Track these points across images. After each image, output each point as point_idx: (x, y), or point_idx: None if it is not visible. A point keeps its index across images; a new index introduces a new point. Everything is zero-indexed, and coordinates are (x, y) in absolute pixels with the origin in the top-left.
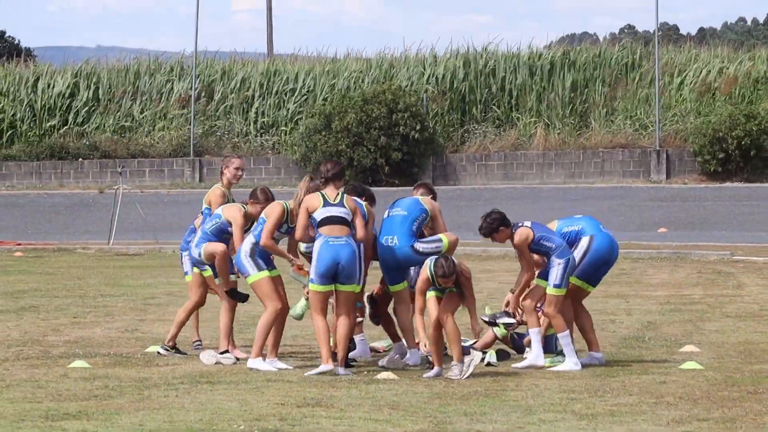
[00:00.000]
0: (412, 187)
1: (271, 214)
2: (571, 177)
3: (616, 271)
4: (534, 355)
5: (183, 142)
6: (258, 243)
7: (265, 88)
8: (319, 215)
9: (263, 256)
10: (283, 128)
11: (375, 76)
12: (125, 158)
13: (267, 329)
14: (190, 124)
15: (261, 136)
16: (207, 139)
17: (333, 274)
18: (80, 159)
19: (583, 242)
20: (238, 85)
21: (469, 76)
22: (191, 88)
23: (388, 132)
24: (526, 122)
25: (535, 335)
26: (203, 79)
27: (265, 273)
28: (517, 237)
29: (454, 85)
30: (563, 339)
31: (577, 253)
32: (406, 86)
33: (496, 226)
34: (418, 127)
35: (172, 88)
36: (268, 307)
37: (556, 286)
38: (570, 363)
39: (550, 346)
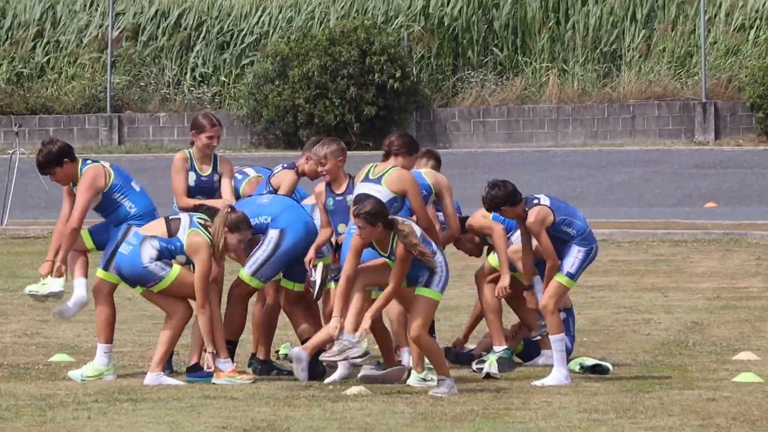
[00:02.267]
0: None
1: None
2: (594, 137)
3: (651, 257)
4: (556, 372)
5: (98, 93)
6: None
7: (204, 26)
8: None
9: None
10: (225, 78)
11: (345, 10)
12: (23, 114)
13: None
14: (106, 72)
15: (198, 87)
16: (129, 90)
17: None
18: None
19: None
20: (171, 22)
21: (464, 9)
22: (109, 26)
23: (360, 81)
24: (536, 68)
25: (557, 344)
26: (126, 15)
27: None
28: (532, 216)
29: (444, 22)
30: (556, 344)
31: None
32: (383, 22)
33: (500, 200)
34: (397, 74)
35: (86, 25)
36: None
37: (569, 276)
38: (559, 375)
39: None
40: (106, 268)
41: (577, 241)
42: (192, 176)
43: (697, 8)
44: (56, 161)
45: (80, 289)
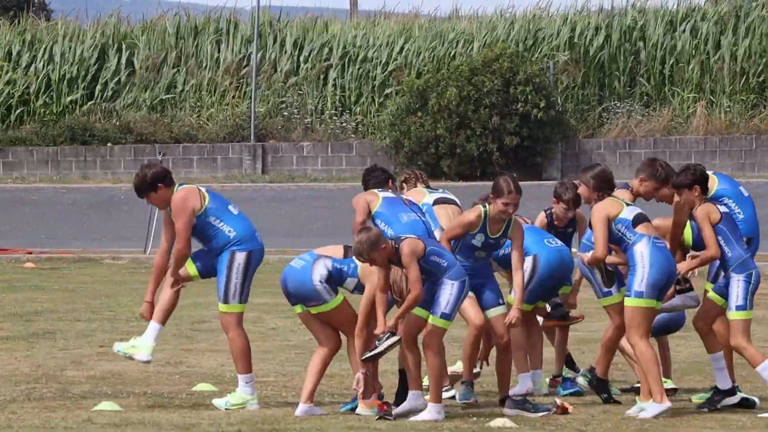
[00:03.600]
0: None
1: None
2: (741, 169)
3: None
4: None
5: (241, 122)
6: None
7: (346, 55)
8: None
9: None
10: (368, 107)
11: (486, 39)
12: (167, 143)
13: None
14: (250, 101)
15: (340, 117)
16: (272, 119)
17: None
18: (109, 144)
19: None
20: (313, 51)
21: (611, 39)
22: (251, 54)
23: (503, 110)
24: (684, 99)
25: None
26: (267, 43)
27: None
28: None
29: (590, 52)
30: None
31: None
32: (525, 50)
33: (690, 181)
34: (542, 104)
35: (227, 54)
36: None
37: (738, 308)
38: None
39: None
40: (226, 301)
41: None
42: (481, 237)
43: None
44: (151, 186)
45: (149, 338)
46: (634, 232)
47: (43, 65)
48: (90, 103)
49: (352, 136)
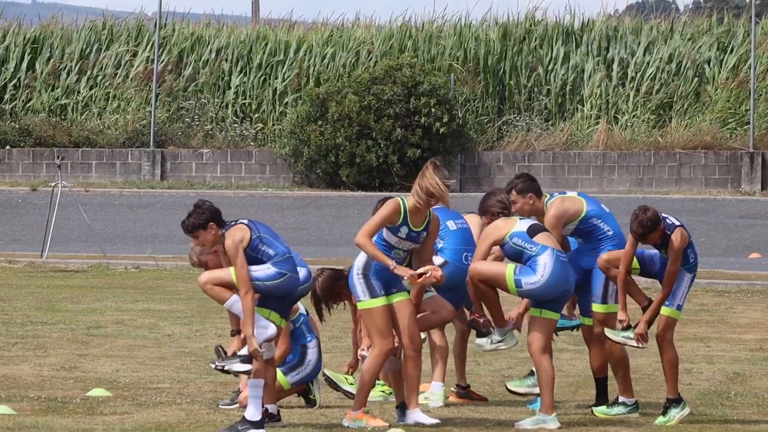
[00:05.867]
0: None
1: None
2: (639, 184)
3: (694, 306)
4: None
5: (141, 128)
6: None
7: (246, 61)
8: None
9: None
10: (268, 114)
11: (386, 49)
12: (66, 147)
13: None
14: (150, 106)
15: (241, 124)
16: (172, 125)
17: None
18: (7, 147)
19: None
20: (212, 56)
21: (510, 51)
22: (153, 60)
23: (406, 122)
24: (585, 114)
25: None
26: (169, 49)
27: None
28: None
29: (489, 63)
30: None
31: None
32: (427, 63)
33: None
34: (445, 118)
35: (130, 59)
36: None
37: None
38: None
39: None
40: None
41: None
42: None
43: (747, 59)
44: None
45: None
46: (535, 243)
47: None
48: None
49: (252, 143)
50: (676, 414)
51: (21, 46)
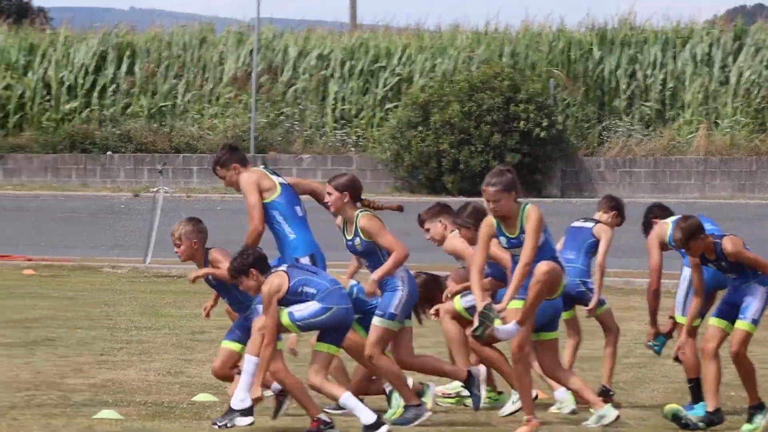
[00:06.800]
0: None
1: None
2: (741, 190)
3: None
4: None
5: (241, 133)
6: None
7: (346, 68)
8: None
9: None
10: (368, 119)
11: (487, 55)
12: (167, 152)
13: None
14: (250, 112)
15: (341, 129)
16: (271, 131)
17: None
18: (109, 152)
19: None
20: (312, 63)
21: (608, 57)
22: (252, 66)
23: (504, 128)
24: (686, 119)
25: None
26: (267, 55)
27: None
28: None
29: (589, 68)
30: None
31: None
32: (526, 70)
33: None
34: (544, 123)
35: (227, 64)
36: None
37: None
38: None
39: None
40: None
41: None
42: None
43: None
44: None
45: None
46: None
47: (42, 72)
48: (88, 110)
49: (352, 149)
50: (761, 420)
51: (118, 51)
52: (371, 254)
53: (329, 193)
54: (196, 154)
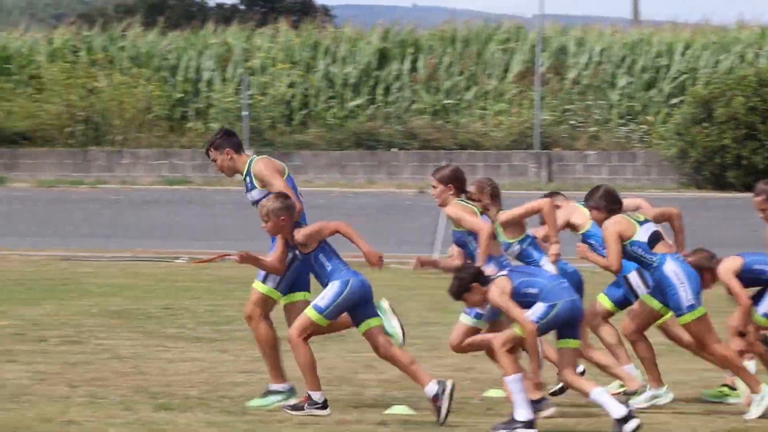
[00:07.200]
0: None
1: None
2: None
3: None
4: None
5: (525, 130)
6: None
7: (627, 63)
8: None
9: None
10: (654, 115)
11: None
12: (451, 149)
13: None
14: (534, 108)
15: (626, 125)
16: (557, 127)
17: None
18: (394, 149)
19: None
20: (595, 58)
21: None
22: (535, 62)
23: None
24: None
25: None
26: (549, 51)
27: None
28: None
29: None
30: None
31: None
32: None
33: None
34: None
35: (509, 60)
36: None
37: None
38: None
39: None
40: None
41: None
42: None
43: None
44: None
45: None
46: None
47: (326, 69)
48: (372, 107)
49: (637, 145)
50: None
51: (401, 48)
52: (465, 245)
53: (434, 186)
54: (481, 151)
